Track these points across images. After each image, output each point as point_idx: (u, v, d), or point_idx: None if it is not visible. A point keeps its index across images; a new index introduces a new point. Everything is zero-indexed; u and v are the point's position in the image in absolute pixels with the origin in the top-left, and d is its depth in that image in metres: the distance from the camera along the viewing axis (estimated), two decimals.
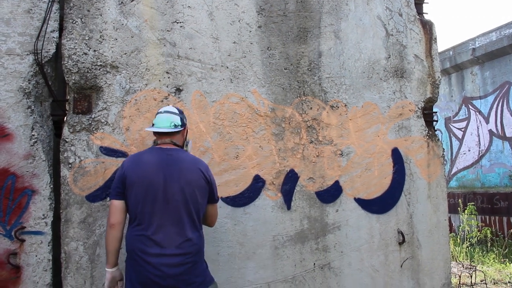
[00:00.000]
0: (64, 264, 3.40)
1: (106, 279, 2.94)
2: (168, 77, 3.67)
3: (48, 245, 3.40)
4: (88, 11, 3.54)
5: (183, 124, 3.13)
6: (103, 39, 3.56)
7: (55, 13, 3.53)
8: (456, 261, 8.01)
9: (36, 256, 3.37)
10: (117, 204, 2.90)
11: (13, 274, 3.32)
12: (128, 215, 2.96)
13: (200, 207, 3.00)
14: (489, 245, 9.09)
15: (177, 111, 3.14)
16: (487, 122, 11.65)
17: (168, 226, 2.85)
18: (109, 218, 2.90)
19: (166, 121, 3.05)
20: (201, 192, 2.99)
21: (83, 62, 3.50)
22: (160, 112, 3.10)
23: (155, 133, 3.10)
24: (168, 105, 3.31)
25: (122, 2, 3.61)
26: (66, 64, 3.48)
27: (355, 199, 4.08)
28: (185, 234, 2.87)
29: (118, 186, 2.91)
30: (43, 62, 3.47)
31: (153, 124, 3.09)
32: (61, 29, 3.55)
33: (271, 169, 3.86)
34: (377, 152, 4.17)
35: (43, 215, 3.40)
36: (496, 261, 8.16)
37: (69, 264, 3.40)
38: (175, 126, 3.06)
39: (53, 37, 3.52)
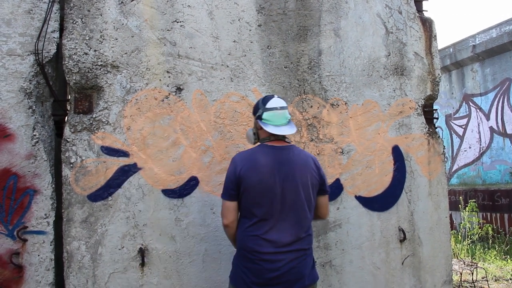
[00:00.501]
0: (66, 264, 3.41)
1: None
2: (169, 77, 3.68)
3: (50, 245, 3.42)
4: (89, 11, 3.55)
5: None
6: (104, 39, 3.56)
7: (55, 13, 3.54)
8: (458, 258, 8.02)
9: (39, 255, 3.38)
10: (229, 205, 2.91)
11: (16, 273, 3.33)
12: (240, 213, 2.98)
13: (314, 204, 3.02)
14: (490, 242, 9.10)
15: (285, 103, 3.05)
16: (488, 119, 11.65)
17: (284, 227, 2.86)
18: (223, 217, 2.94)
19: (283, 118, 2.97)
20: (314, 189, 2.99)
21: (83, 62, 3.51)
22: (275, 109, 2.97)
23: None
24: (268, 96, 3.11)
25: (122, 2, 3.62)
26: (67, 64, 3.49)
27: (356, 197, 4.08)
28: (298, 232, 2.89)
29: (233, 188, 2.88)
30: (44, 62, 3.48)
31: (261, 118, 2.98)
32: (61, 29, 3.56)
33: None
34: (377, 150, 4.18)
35: (45, 214, 3.41)
36: (498, 258, 8.18)
37: (71, 263, 3.41)
38: (289, 121, 3.01)
39: (54, 37, 3.53)
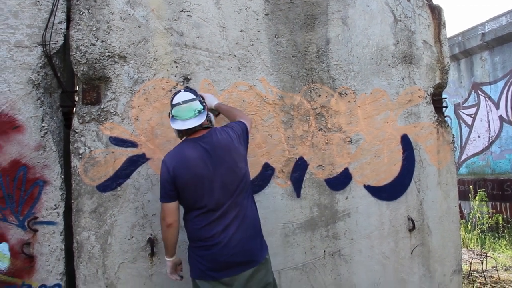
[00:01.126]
0: (76, 254, 3.44)
1: (168, 266, 3.13)
2: (176, 67, 3.68)
3: (61, 235, 3.44)
4: (95, 1, 3.54)
5: (203, 104, 3.13)
6: (111, 30, 3.56)
7: (62, 4, 3.54)
8: (467, 248, 8.00)
9: (49, 245, 3.41)
10: (171, 206, 2.98)
11: (27, 263, 3.36)
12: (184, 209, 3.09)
13: (249, 177, 3.15)
14: (500, 232, 9.05)
15: (192, 95, 3.10)
16: (497, 108, 11.54)
17: (229, 210, 2.98)
18: (165, 218, 2.98)
19: (189, 111, 3.03)
20: (243, 159, 3.10)
21: (91, 53, 3.51)
22: (178, 104, 3.04)
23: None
24: (177, 91, 3.21)
25: None
26: (74, 55, 3.49)
27: (364, 186, 4.07)
28: (242, 213, 3.02)
29: (171, 189, 2.96)
30: (51, 53, 3.48)
31: (172, 116, 3.06)
32: (68, 20, 3.56)
33: (280, 157, 3.86)
34: (386, 139, 4.15)
35: (55, 205, 3.43)
36: (508, 248, 8.13)
37: (81, 253, 3.44)
38: (199, 112, 3.06)
39: (61, 28, 3.53)
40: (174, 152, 3.05)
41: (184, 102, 3.04)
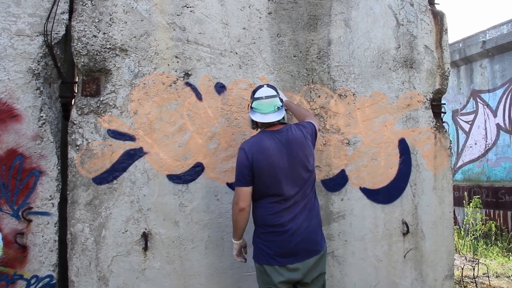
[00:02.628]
0: (70, 245, 3.43)
1: (234, 249, 3.29)
2: (177, 62, 3.67)
3: (55, 226, 3.44)
4: None
5: (282, 101, 3.31)
6: (113, 22, 3.55)
7: None
8: (460, 253, 8.02)
9: (43, 236, 3.40)
10: (246, 190, 3.12)
11: (20, 253, 3.36)
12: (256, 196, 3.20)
13: (314, 171, 3.32)
14: (493, 239, 9.08)
15: (274, 92, 3.29)
16: (495, 115, 11.57)
17: (297, 201, 3.15)
18: (239, 202, 3.11)
19: (270, 106, 3.21)
20: (311, 156, 3.27)
21: (92, 45, 3.50)
22: (261, 98, 3.24)
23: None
24: (259, 86, 3.37)
25: None
26: (76, 46, 3.48)
27: (360, 188, 4.07)
28: (308, 205, 3.20)
29: (248, 173, 3.10)
30: (52, 43, 3.47)
31: (252, 108, 3.25)
32: (71, 11, 3.55)
33: None
34: (384, 142, 4.16)
35: (50, 196, 3.42)
36: (500, 255, 8.16)
37: (74, 245, 3.43)
38: (278, 108, 3.24)
39: (63, 18, 3.52)
40: (253, 141, 3.20)
41: (267, 97, 3.24)
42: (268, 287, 3.12)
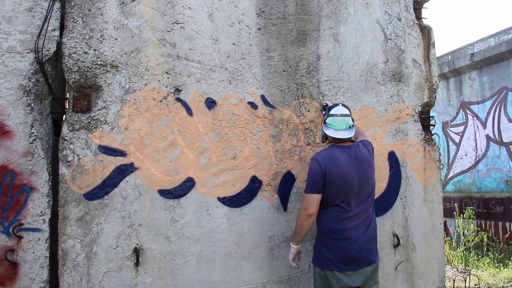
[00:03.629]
0: (61, 262, 3.42)
1: (292, 253, 3.55)
2: (168, 77, 3.70)
3: (46, 242, 3.42)
4: (89, 10, 3.56)
5: (353, 120, 3.58)
6: (104, 39, 3.58)
7: (56, 12, 3.55)
8: (451, 265, 8.05)
9: (34, 253, 3.39)
10: (317, 197, 3.38)
11: (10, 270, 3.34)
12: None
13: (374, 187, 3.61)
14: (484, 249, 9.12)
15: (348, 111, 3.57)
16: (485, 127, 11.69)
17: (360, 213, 3.42)
18: (308, 208, 3.37)
19: (343, 124, 3.49)
20: (374, 173, 3.58)
21: (83, 61, 3.52)
22: (336, 115, 3.51)
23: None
24: (335, 104, 3.68)
25: (123, 2, 3.64)
26: (67, 63, 3.50)
27: None
28: (369, 218, 3.48)
29: (321, 182, 3.37)
30: (43, 60, 3.49)
31: (326, 123, 3.53)
32: (62, 28, 3.57)
33: (268, 170, 3.88)
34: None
35: (41, 212, 3.42)
36: (491, 266, 8.20)
37: (66, 261, 3.42)
38: (350, 127, 3.51)
39: (54, 35, 3.55)
40: (325, 153, 3.49)
41: (341, 115, 3.51)
42: None
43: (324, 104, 3.99)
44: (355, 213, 3.39)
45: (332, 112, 3.55)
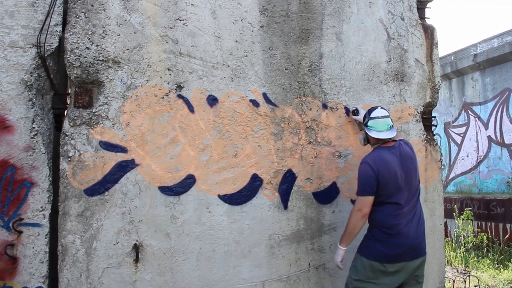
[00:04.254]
0: (60, 257, 3.42)
1: (339, 255, 3.64)
2: (170, 74, 3.69)
3: (45, 238, 3.42)
4: (92, 6, 3.55)
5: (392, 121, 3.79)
6: (106, 34, 3.57)
7: (59, 7, 3.55)
8: (451, 266, 8.04)
9: (33, 248, 3.39)
10: (371, 199, 3.53)
11: (10, 265, 3.34)
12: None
13: (420, 184, 3.79)
14: (484, 251, 9.11)
15: (387, 113, 3.77)
16: (486, 128, 11.67)
17: (410, 210, 3.58)
18: (363, 209, 3.53)
19: (384, 125, 3.67)
20: (417, 170, 3.75)
21: (85, 57, 3.52)
22: (377, 117, 3.69)
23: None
24: (374, 107, 3.83)
25: None
26: (69, 58, 3.50)
27: (351, 200, 4.09)
28: (418, 214, 3.66)
29: (374, 184, 3.51)
30: (45, 55, 3.48)
31: (367, 126, 3.71)
32: (64, 23, 3.56)
33: (269, 168, 3.88)
34: None
35: (41, 207, 3.42)
36: (491, 267, 8.19)
37: (65, 257, 3.42)
38: (391, 127, 3.71)
39: (56, 31, 3.54)
40: (374, 156, 3.63)
41: (382, 117, 3.69)
42: (369, 281, 3.51)
43: (354, 109, 4.10)
44: (406, 209, 3.55)
45: (373, 115, 3.71)
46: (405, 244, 3.50)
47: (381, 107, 3.79)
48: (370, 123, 3.70)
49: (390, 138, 3.67)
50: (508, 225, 9.68)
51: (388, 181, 3.51)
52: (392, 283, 3.54)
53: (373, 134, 3.67)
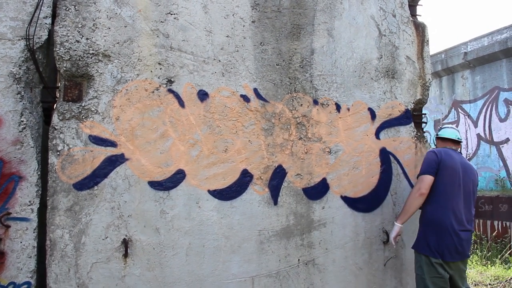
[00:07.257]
0: (49, 252, 3.40)
1: (395, 231, 3.96)
2: (160, 68, 3.67)
3: (34, 232, 3.39)
4: None
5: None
6: (96, 28, 3.54)
7: None
8: None
9: (21, 242, 3.36)
10: (430, 179, 3.83)
11: None
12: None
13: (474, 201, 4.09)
14: (473, 247, 9.18)
15: (457, 131, 4.26)
16: (476, 126, 11.75)
17: (461, 209, 3.84)
18: (421, 188, 3.83)
19: (454, 133, 4.17)
20: (475, 190, 4.08)
21: (75, 50, 3.49)
22: (447, 127, 4.28)
23: (447, 140, 4.16)
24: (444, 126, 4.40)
25: None
26: (58, 51, 3.46)
27: (341, 197, 4.10)
28: (469, 216, 3.91)
29: (436, 167, 3.85)
30: (34, 48, 3.45)
31: (437, 135, 4.25)
32: (54, 15, 3.53)
33: (259, 164, 3.87)
34: (365, 151, 4.20)
35: (30, 201, 3.39)
36: (479, 263, 8.26)
37: (54, 251, 3.40)
38: (460, 139, 4.20)
39: (46, 23, 3.50)
40: (441, 149, 4.00)
41: (451, 128, 4.28)
42: (435, 276, 3.77)
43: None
44: (460, 208, 3.82)
45: (443, 127, 4.31)
46: (455, 242, 3.78)
47: (452, 126, 4.37)
48: (440, 132, 4.23)
49: (459, 141, 4.15)
50: (496, 222, 9.76)
51: (446, 171, 3.81)
52: (447, 274, 3.86)
53: (441, 133, 4.19)
